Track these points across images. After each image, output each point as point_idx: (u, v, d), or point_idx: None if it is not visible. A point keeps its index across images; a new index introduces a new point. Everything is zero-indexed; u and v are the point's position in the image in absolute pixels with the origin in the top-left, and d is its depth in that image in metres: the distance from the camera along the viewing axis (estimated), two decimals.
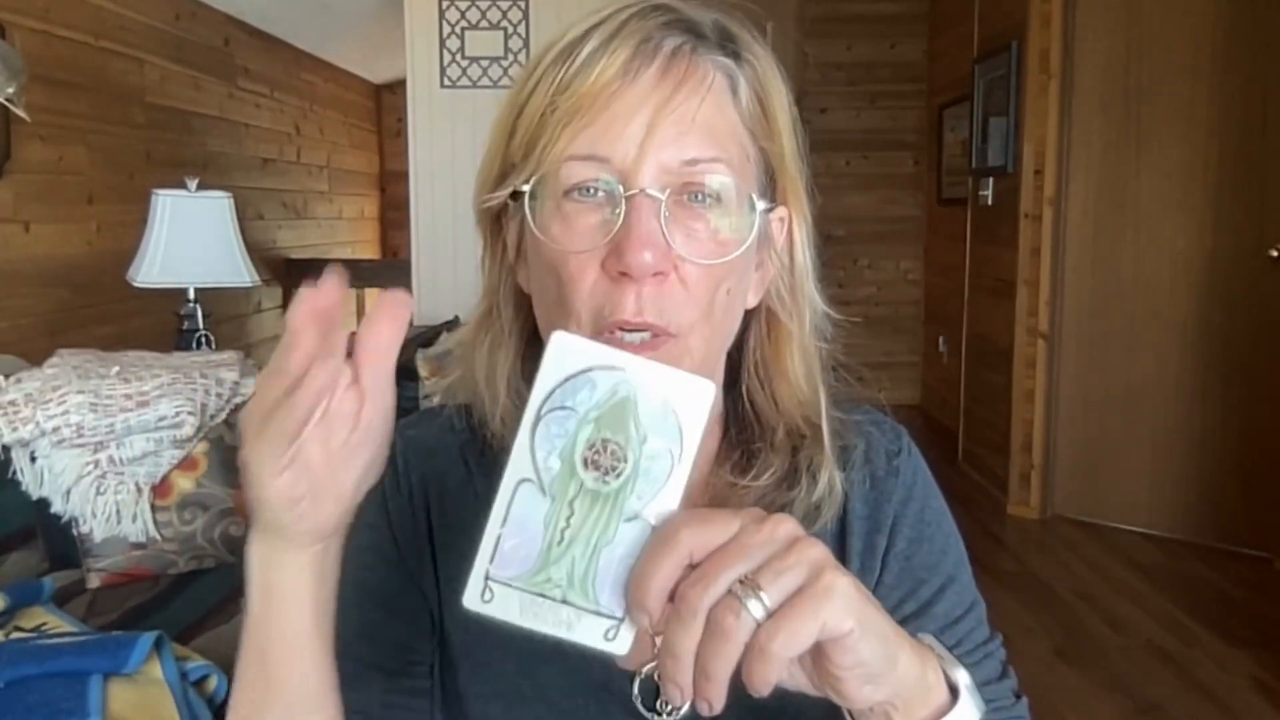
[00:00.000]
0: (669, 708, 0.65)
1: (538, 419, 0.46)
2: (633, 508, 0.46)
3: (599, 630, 0.46)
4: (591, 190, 0.59)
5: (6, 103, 2.45)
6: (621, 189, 0.58)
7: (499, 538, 0.46)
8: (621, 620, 0.46)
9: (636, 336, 0.58)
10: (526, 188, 0.60)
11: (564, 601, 0.46)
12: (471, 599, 0.46)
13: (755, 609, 0.43)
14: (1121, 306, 3.75)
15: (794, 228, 0.67)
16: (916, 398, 5.88)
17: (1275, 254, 3.29)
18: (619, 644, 0.46)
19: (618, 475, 0.46)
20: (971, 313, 4.69)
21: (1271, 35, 3.29)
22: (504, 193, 0.63)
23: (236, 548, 2.10)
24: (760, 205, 0.61)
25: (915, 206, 5.88)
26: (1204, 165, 3.52)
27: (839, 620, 0.44)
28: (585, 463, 0.46)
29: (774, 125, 0.64)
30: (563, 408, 0.46)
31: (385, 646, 0.67)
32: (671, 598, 0.44)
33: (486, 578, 0.46)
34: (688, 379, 0.46)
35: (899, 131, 5.85)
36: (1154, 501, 3.71)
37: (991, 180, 4.29)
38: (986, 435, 4.38)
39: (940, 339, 5.38)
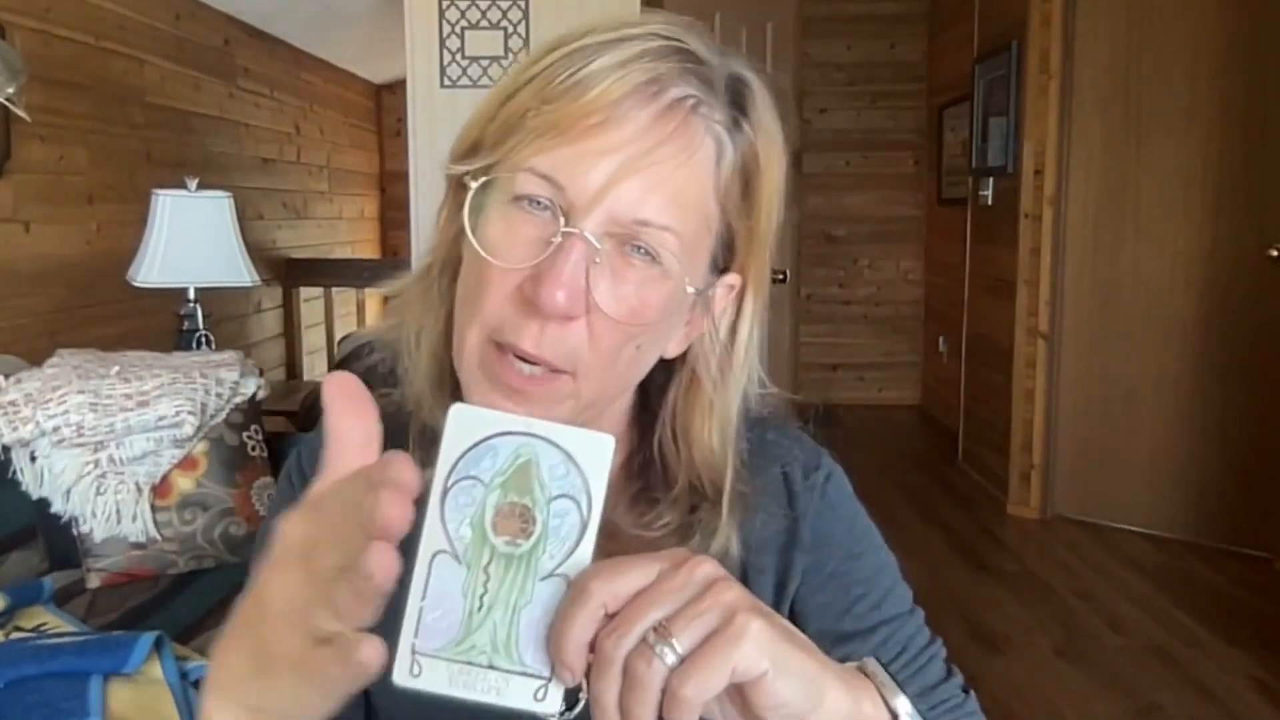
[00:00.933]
0: None
1: (445, 491, 0.46)
2: (546, 567, 0.47)
3: (528, 691, 0.47)
4: (541, 204, 0.57)
5: (6, 103, 2.45)
6: (564, 221, 0.56)
7: (420, 610, 0.46)
8: (549, 679, 0.46)
9: (528, 369, 0.57)
10: (474, 184, 0.59)
11: (490, 667, 0.47)
12: (401, 674, 0.46)
13: (667, 656, 0.44)
14: (1121, 306, 3.75)
15: (746, 299, 0.65)
16: (916, 398, 5.88)
17: (1275, 254, 3.29)
18: (549, 703, 0.47)
19: (528, 536, 0.47)
20: (971, 313, 4.69)
21: (1271, 35, 3.29)
22: (466, 168, 0.61)
23: (236, 548, 2.10)
24: (690, 289, 0.60)
25: (915, 206, 5.88)
26: (1204, 165, 3.52)
27: (752, 663, 0.44)
28: (495, 528, 0.47)
29: (752, 202, 0.62)
30: (468, 477, 0.47)
31: None
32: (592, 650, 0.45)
33: (413, 652, 0.46)
34: (587, 436, 0.47)
35: (899, 131, 5.85)
36: (1154, 501, 3.71)
37: (991, 180, 4.29)
38: (986, 435, 4.38)
39: (940, 339, 5.38)
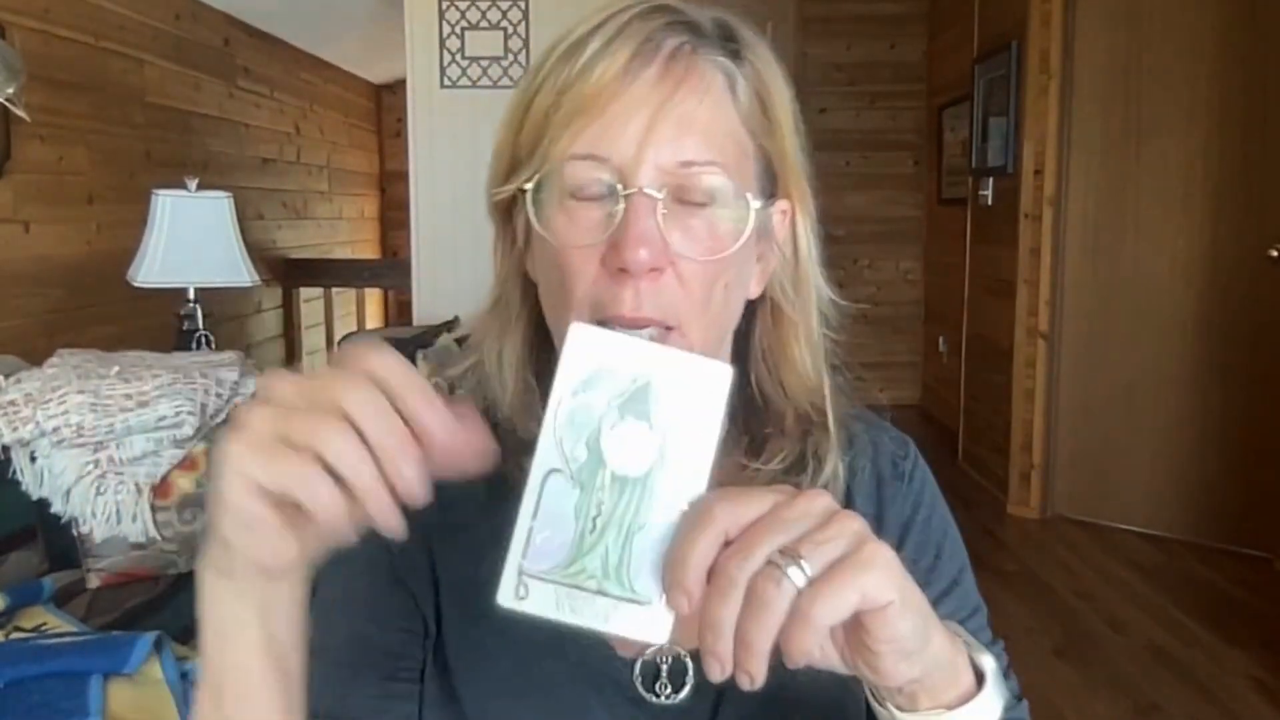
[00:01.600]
0: (667, 690, 0.65)
1: (560, 409, 0.46)
2: (662, 492, 0.46)
3: (637, 618, 0.46)
4: (592, 187, 0.60)
5: (6, 103, 2.45)
6: (620, 187, 0.59)
7: (530, 530, 0.46)
8: (659, 605, 0.46)
9: (641, 332, 0.59)
10: (529, 185, 0.61)
11: (599, 592, 0.46)
12: (506, 596, 0.46)
13: (796, 577, 0.43)
14: (1121, 306, 3.75)
15: (797, 220, 0.67)
16: (916, 398, 5.88)
17: (1275, 254, 3.28)
18: (657, 631, 0.46)
19: (645, 461, 0.46)
20: (971, 313, 4.69)
21: (1271, 35, 3.29)
22: (511, 187, 0.64)
23: None
24: (755, 204, 0.61)
25: (915, 206, 5.88)
26: (1204, 165, 3.52)
27: (881, 590, 0.44)
28: (611, 451, 0.46)
29: (774, 122, 0.64)
30: (585, 397, 0.46)
31: (372, 652, 0.66)
32: (709, 576, 0.44)
33: (520, 573, 0.46)
34: (705, 364, 0.47)
35: (899, 131, 5.85)
36: (1154, 501, 3.71)
37: (991, 180, 4.29)
38: (986, 435, 4.38)
39: (940, 339, 5.38)
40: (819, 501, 0.46)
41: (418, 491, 0.44)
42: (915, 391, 5.90)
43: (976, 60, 4.45)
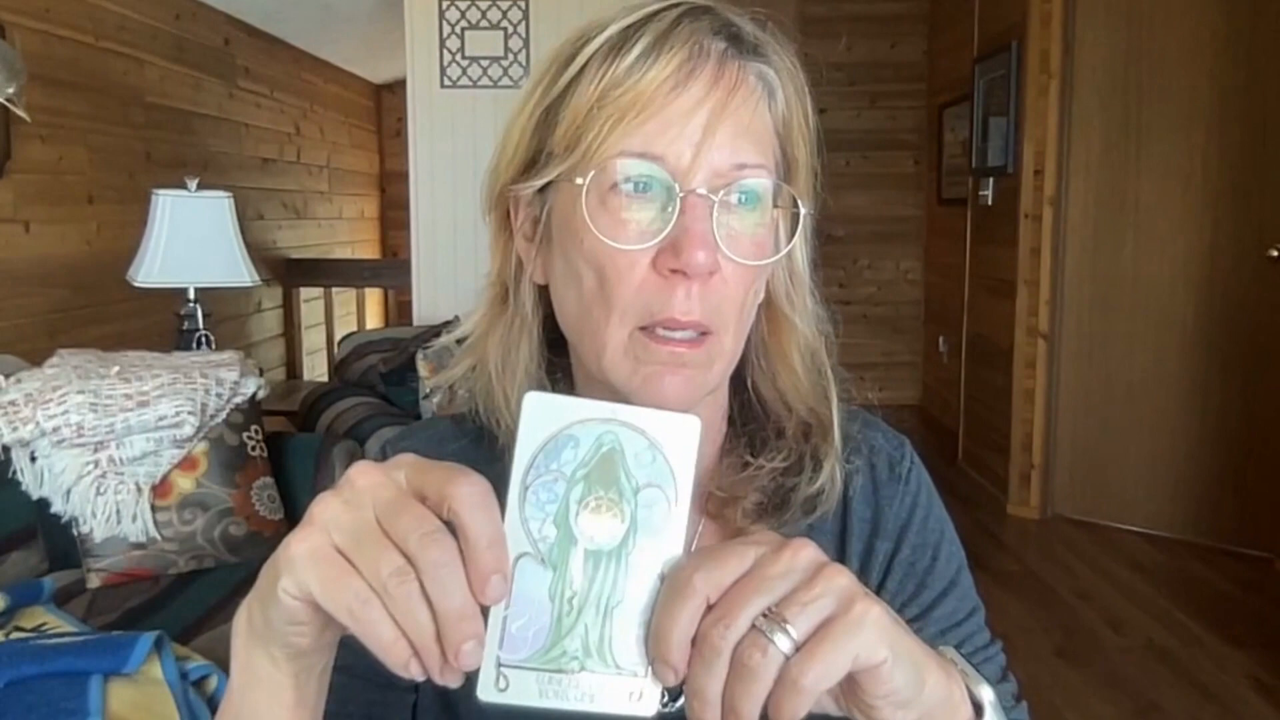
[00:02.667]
0: (664, 698, 0.65)
1: (525, 488, 0.44)
2: (637, 561, 0.44)
3: (624, 693, 0.44)
4: (643, 186, 0.58)
5: (6, 103, 2.45)
6: (677, 187, 0.58)
7: (504, 620, 0.44)
8: (646, 678, 0.44)
9: (680, 334, 0.59)
10: (582, 181, 0.58)
11: (583, 671, 0.44)
12: (486, 690, 0.44)
13: (783, 643, 0.42)
14: (1121, 306, 3.75)
15: (799, 225, 0.67)
16: (916, 398, 5.88)
17: (1275, 254, 3.28)
18: (646, 705, 0.45)
19: (616, 531, 0.44)
20: (971, 313, 4.69)
21: (1271, 35, 3.29)
22: (539, 181, 0.61)
23: (237, 548, 2.10)
24: (804, 209, 0.62)
25: (915, 206, 5.88)
26: (1204, 165, 3.52)
27: (873, 651, 0.43)
28: (581, 525, 0.44)
29: (799, 129, 0.64)
30: (549, 472, 0.44)
31: (369, 656, 0.66)
32: (693, 644, 0.43)
33: (499, 665, 0.44)
34: (672, 418, 0.45)
35: (899, 131, 5.84)
36: (1154, 501, 3.71)
37: (991, 180, 4.29)
38: (986, 435, 4.38)
39: (940, 339, 5.38)
40: (803, 555, 0.44)
41: (470, 664, 0.41)
42: (915, 391, 5.89)
43: (977, 60, 4.45)
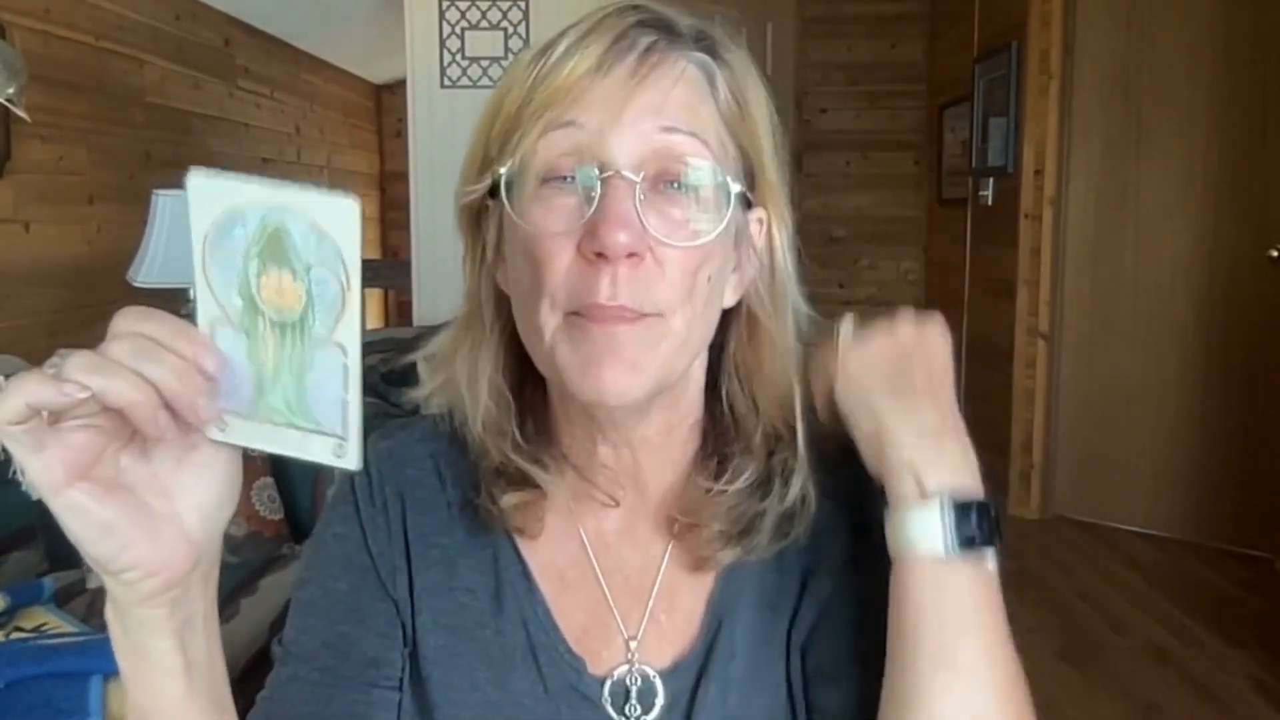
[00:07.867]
0: (636, 711, 0.65)
1: (204, 261, 0.47)
2: (320, 334, 0.47)
3: (328, 448, 0.48)
4: (568, 178, 0.58)
5: (6, 103, 2.45)
6: (597, 171, 0.57)
7: (218, 378, 0.48)
8: (345, 438, 0.47)
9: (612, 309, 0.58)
10: (504, 171, 0.60)
11: (290, 425, 0.48)
12: (210, 431, 0.48)
13: None
14: (1121, 306, 3.75)
15: (773, 231, 0.66)
16: None
17: (1275, 254, 3.28)
18: (349, 459, 0.48)
19: (296, 305, 0.47)
20: (971, 313, 4.69)
21: (1271, 35, 3.29)
22: (482, 185, 0.62)
23: (236, 548, 2.10)
24: (735, 187, 0.60)
25: (915, 206, 5.87)
26: (1204, 165, 3.52)
27: None
28: (263, 297, 0.47)
29: (753, 125, 0.63)
30: (223, 248, 0.46)
31: (353, 657, 0.66)
32: None
33: (219, 411, 0.48)
34: (330, 199, 0.45)
35: (899, 131, 5.84)
36: (1154, 501, 3.71)
37: (991, 180, 4.29)
38: (986, 435, 4.36)
39: None
40: None
41: (207, 414, 0.47)
42: None
43: (977, 60, 4.45)
